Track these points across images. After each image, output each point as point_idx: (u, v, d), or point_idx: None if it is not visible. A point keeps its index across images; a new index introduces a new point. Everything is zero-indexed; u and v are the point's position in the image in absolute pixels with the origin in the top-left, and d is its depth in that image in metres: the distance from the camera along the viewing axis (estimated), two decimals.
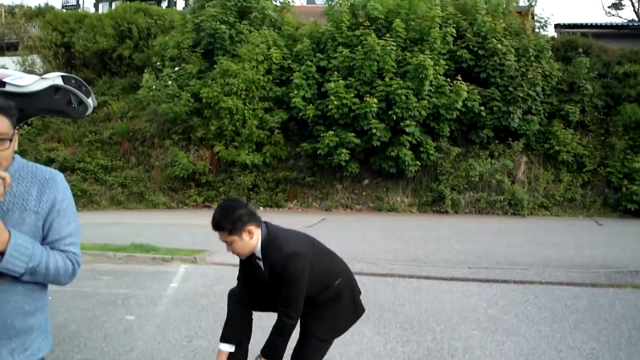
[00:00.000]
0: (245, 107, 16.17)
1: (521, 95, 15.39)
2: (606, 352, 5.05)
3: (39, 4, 32.85)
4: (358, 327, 5.67)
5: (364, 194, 16.71)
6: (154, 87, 17.54)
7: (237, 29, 17.16)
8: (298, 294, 2.95)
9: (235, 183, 16.50)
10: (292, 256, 2.91)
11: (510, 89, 15.50)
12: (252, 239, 2.94)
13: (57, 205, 1.93)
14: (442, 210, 15.65)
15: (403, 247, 10.34)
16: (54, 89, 3.42)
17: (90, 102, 3.88)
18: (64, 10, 34.19)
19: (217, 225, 2.93)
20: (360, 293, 3.43)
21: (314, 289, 3.06)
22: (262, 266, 3.06)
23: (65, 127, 18.77)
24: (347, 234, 11.81)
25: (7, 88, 3.21)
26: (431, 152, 15.50)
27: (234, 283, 7.05)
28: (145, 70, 18.03)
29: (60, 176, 2.00)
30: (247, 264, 3.19)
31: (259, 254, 3.02)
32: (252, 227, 2.92)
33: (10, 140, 1.84)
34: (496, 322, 5.93)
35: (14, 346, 1.88)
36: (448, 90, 15.15)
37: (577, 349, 5.12)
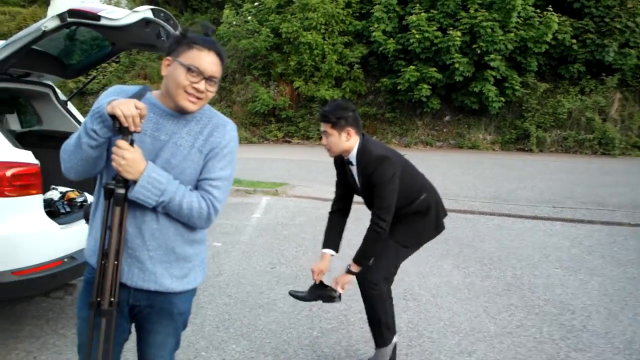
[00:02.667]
0: (325, 41, 16.05)
1: (618, 26, 14.34)
2: None
3: None
4: (437, 261, 5.72)
5: (444, 130, 16.40)
6: (234, 22, 17.69)
7: None
8: (389, 196, 3.11)
9: (315, 118, 16.60)
10: (382, 159, 3.08)
11: (607, 19, 14.47)
12: (349, 141, 3.12)
13: (217, 148, 2.01)
14: (526, 149, 15.16)
15: (484, 184, 10.16)
16: (145, 22, 3.48)
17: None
18: None
19: (323, 115, 3.13)
20: (445, 215, 3.52)
21: (399, 202, 3.20)
22: (355, 173, 3.25)
23: (151, 65, 19.36)
24: (426, 170, 11.57)
25: (102, 22, 3.31)
26: (517, 87, 14.89)
27: (314, 215, 7.17)
28: (226, 6, 18.18)
29: (231, 125, 2.09)
30: (342, 172, 3.38)
31: (353, 159, 3.19)
32: (352, 130, 3.10)
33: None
34: (580, 262, 5.78)
35: (173, 271, 2.01)
36: (537, 22, 14.34)
37: None
